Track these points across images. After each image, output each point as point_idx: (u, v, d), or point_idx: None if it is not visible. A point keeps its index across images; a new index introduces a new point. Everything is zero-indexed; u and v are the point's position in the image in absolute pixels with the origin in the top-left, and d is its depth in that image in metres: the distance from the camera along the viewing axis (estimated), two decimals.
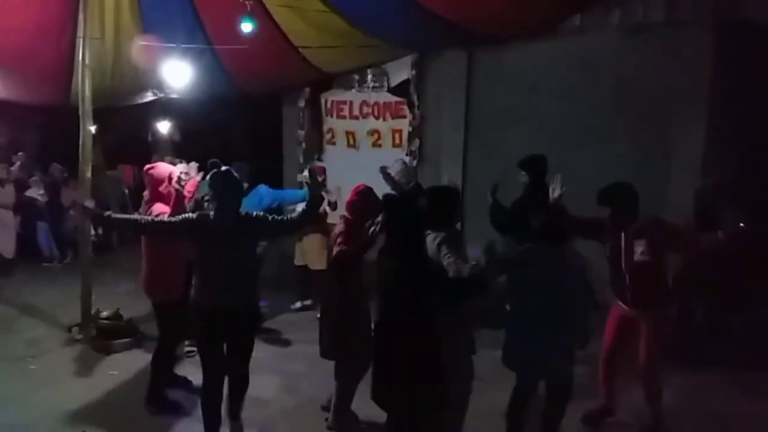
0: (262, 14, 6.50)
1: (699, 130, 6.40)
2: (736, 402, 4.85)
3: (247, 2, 6.04)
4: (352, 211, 4.21)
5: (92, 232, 6.78)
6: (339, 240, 4.12)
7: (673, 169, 6.52)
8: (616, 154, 6.61)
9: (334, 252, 4.09)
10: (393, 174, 6.09)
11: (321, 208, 5.97)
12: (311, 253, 6.94)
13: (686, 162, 6.41)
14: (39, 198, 9.10)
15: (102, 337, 5.92)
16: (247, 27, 6.05)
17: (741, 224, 4.61)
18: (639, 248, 4.11)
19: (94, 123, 6.10)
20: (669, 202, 6.35)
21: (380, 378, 3.39)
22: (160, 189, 4.54)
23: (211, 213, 3.94)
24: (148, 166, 4.72)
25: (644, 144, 6.68)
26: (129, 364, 5.55)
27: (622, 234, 4.14)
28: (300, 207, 4.37)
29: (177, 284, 4.49)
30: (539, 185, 4.92)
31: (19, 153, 9.81)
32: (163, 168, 4.63)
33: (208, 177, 4.08)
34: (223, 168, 4.08)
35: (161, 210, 4.40)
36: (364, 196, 4.26)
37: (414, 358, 3.22)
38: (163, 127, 5.85)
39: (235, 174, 4.02)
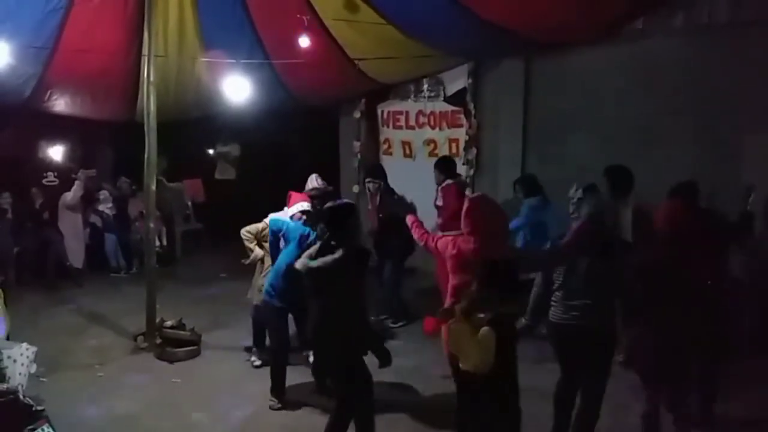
0: (318, 28, 6.60)
1: None
2: None
3: (304, 17, 6.15)
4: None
5: (156, 243, 6.96)
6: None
7: (743, 173, 6.22)
8: (681, 158, 6.38)
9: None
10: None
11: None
12: None
13: (756, 165, 6.12)
14: (107, 211, 9.41)
15: (166, 345, 6.05)
16: (304, 42, 6.16)
17: None
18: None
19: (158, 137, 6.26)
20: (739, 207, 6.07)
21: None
22: None
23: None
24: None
25: (710, 147, 6.41)
26: (191, 371, 5.67)
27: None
28: None
29: None
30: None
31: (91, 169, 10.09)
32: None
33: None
34: None
35: None
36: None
37: None
38: (224, 141, 5.97)
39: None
